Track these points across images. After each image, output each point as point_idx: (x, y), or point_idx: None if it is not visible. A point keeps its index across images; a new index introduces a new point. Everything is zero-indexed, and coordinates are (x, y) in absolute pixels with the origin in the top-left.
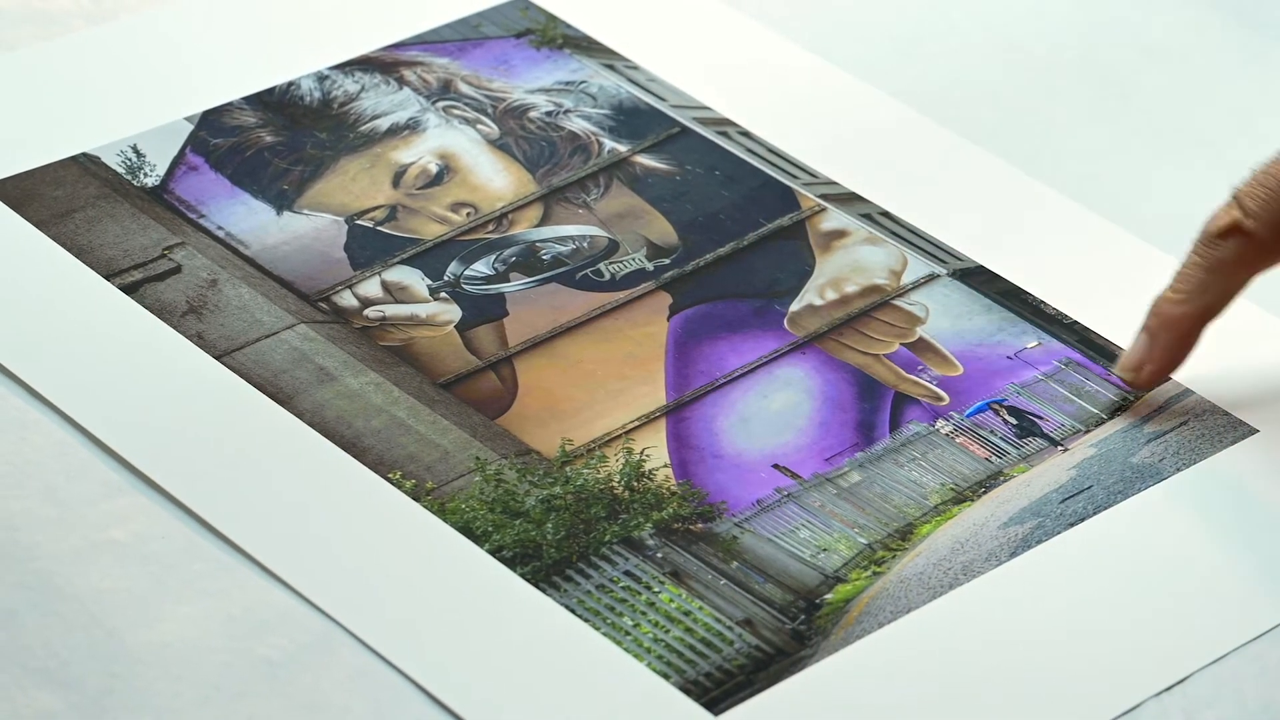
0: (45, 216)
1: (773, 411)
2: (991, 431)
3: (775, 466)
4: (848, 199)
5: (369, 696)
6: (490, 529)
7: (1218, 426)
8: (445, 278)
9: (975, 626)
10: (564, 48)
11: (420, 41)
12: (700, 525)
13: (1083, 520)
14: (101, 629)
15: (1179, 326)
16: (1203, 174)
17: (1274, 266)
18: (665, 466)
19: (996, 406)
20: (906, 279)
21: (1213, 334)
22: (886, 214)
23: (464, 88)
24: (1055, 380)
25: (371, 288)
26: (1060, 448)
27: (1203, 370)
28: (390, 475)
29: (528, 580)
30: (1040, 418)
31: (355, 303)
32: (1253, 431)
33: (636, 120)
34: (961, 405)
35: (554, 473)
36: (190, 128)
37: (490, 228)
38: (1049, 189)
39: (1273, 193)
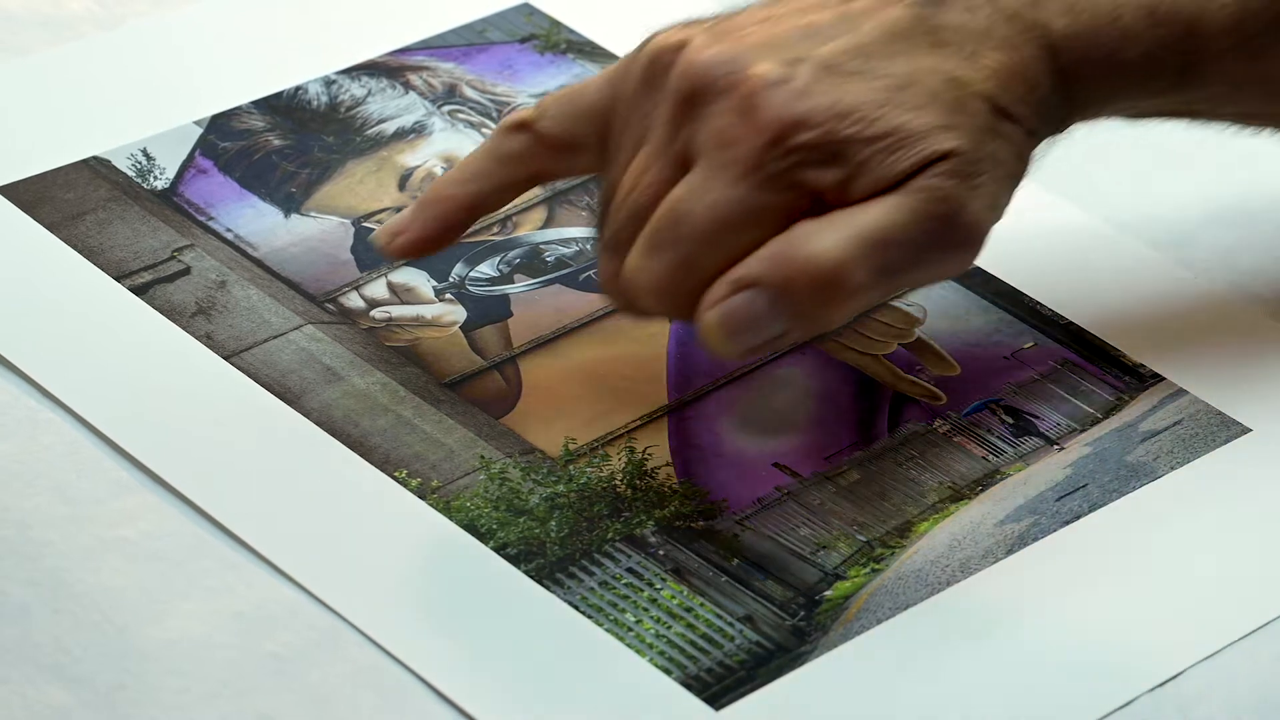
0: (56, 219)
1: (773, 411)
2: (988, 430)
3: (775, 465)
4: None
5: (376, 692)
6: (495, 527)
7: (1211, 426)
8: (450, 279)
9: (972, 622)
10: (567, 52)
11: (426, 46)
12: (702, 523)
13: (1078, 518)
14: (112, 625)
15: (444, 205)
16: (1197, 176)
17: (554, 176)
18: (667, 465)
19: (993, 406)
20: None
21: (1207, 334)
22: None
23: (469, 92)
24: (1051, 380)
25: (378, 289)
26: (1056, 447)
27: (1196, 370)
28: (396, 473)
29: (532, 577)
30: (1036, 417)
31: (362, 304)
32: (1245, 430)
33: None
34: (959, 405)
35: (557, 471)
36: (199, 131)
37: (495, 230)
38: (1046, 192)
39: (572, 103)
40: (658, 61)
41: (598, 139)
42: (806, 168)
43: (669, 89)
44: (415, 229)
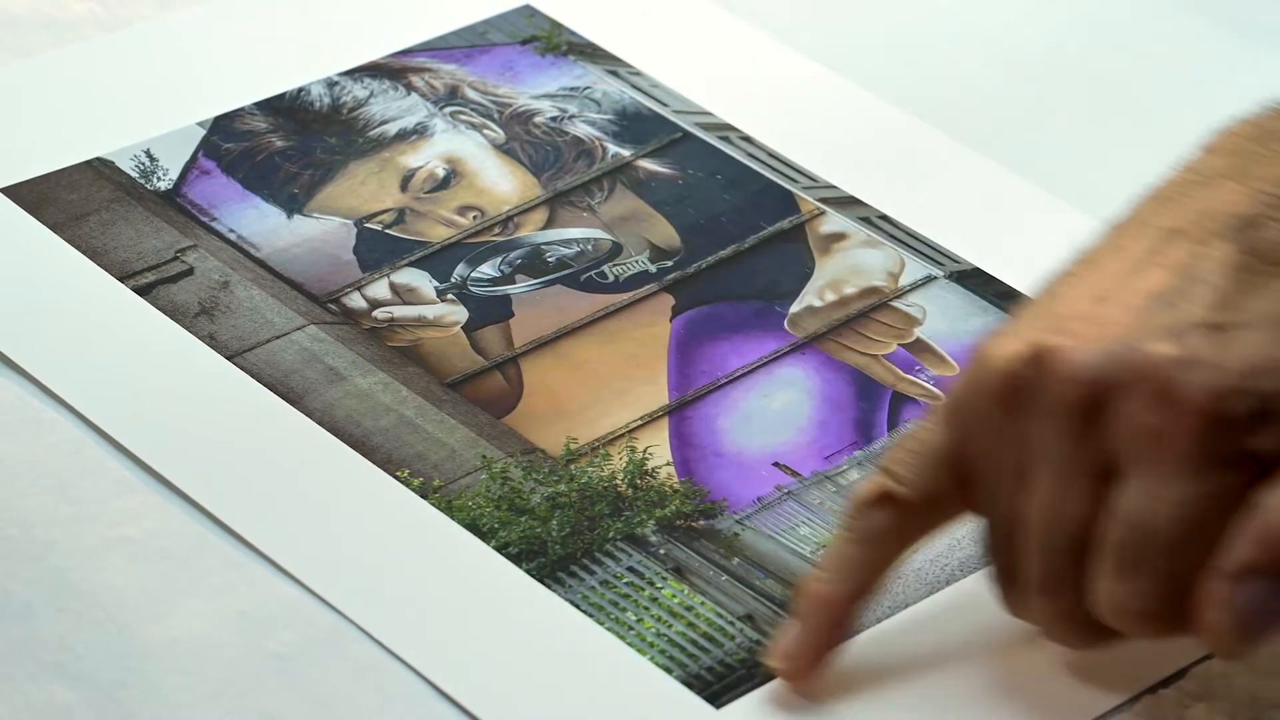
0: (60, 219)
1: (773, 411)
2: None
3: (776, 464)
4: (847, 203)
5: (377, 690)
6: (496, 526)
7: None
8: (452, 280)
9: (971, 621)
10: (568, 54)
11: (428, 48)
12: (702, 522)
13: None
14: (115, 624)
15: (830, 610)
16: None
17: (926, 537)
18: (668, 464)
19: None
20: (904, 281)
21: None
22: (885, 217)
23: (471, 93)
24: None
25: (380, 289)
26: None
27: None
28: (398, 473)
29: (533, 576)
30: None
31: (364, 304)
32: None
33: (639, 125)
34: None
35: (559, 471)
36: (202, 133)
37: (496, 231)
38: (1044, 192)
39: (920, 456)
40: (1016, 380)
41: (956, 485)
42: (1248, 436)
43: (1051, 405)
44: (812, 645)
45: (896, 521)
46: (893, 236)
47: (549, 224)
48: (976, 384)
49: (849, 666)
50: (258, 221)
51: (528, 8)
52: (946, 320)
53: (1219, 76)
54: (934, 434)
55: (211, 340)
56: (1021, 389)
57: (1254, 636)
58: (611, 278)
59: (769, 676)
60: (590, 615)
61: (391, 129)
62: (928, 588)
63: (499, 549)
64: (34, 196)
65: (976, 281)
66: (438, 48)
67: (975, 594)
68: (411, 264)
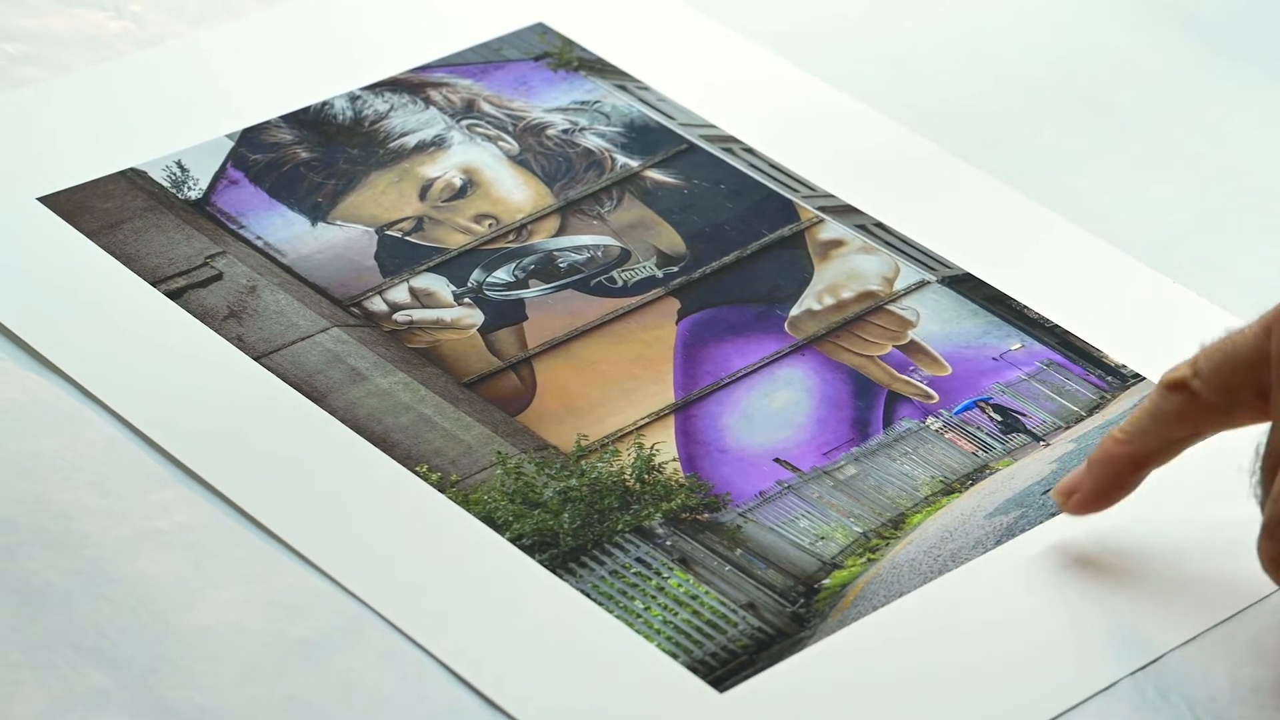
0: (96, 227)
1: (774, 409)
2: (978, 428)
3: (776, 460)
4: (844, 211)
5: (398, 675)
6: (511, 519)
7: None
8: (469, 284)
9: (963, 610)
10: (579, 70)
11: (445, 64)
12: (706, 515)
13: (1063, 511)
14: (148, 612)
15: (1114, 465)
16: (1176, 186)
17: (1218, 430)
18: (674, 460)
19: (983, 404)
20: (899, 285)
21: (1185, 336)
22: (880, 225)
23: (486, 107)
24: (1037, 380)
25: (400, 294)
26: (1042, 443)
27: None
28: (417, 468)
29: (546, 566)
30: (1024, 415)
31: (385, 308)
32: None
33: (647, 137)
34: (950, 403)
35: (570, 466)
36: (231, 144)
37: (511, 238)
38: (1033, 201)
39: (1223, 361)
40: None
41: (1255, 393)
42: None
43: None
44: (1088, 487)
45: (1188, 409)
46: (888, 243)
47: (561, 231)
48: None
49: (846, 651)
50: (284, 229)
51: (541, 26)
52: (939, 323)
53: (1201, 92)
54: (1245, 340)
55: (239, 342)
56: None
57: None
58: (620, 282)
59: (771, 662)
60: (600, 604)
61: (411, 141)
62: (921, 578)
63: (513, 541)
64: (71, 205)
65: (968, 286)
66: (455, 64)
67: (965, 584)
68: (430, 269)
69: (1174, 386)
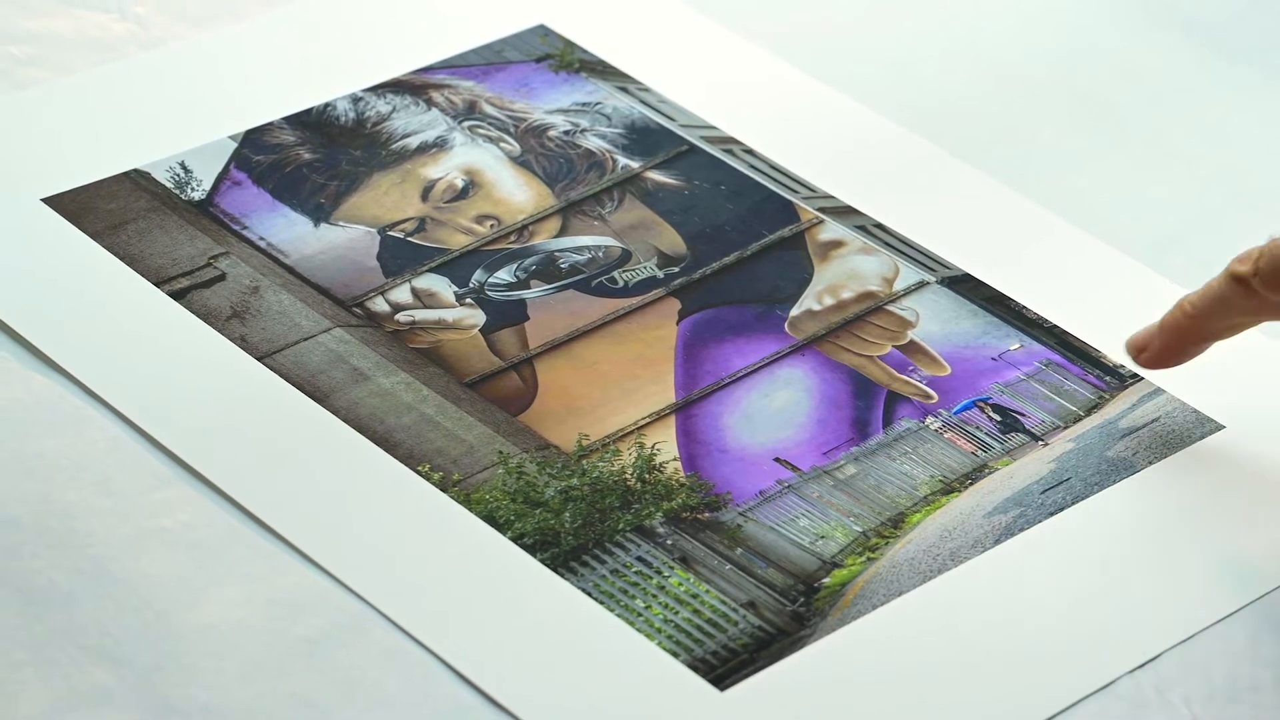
0: (100, 228)
1: (774, 409)
2: (977, 428)
3: (776, 460)
4: (844, 212)
5: (400, 673)
6: (512, 518)
7: (1187, 423)
8: (470, 285)
9: (962, 608)
10: (580, 71)
11: (447, 65)
12: (707, 514)
13: (1061, 510)
14: (151, 610)
15: (1181, 334)
16: (1175, 187)
17: (1275, 319)
18: (674, 460)
19: (982, 404)
20: (898, 286)
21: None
22: (880, 225)
23: (488, 108)
24: (1036, 380)
25: (402, 294)
26: (1041, 443)
27: (1172, 370)
28: (419, 468)
29: (547, 565)
30: (1022, 414)
31: (387, 308)
32: (1219, 427)
33: (648, 139)
34: (949, 403)
35: (571, 465)
36: (234, 146)
37: (512, 238)
38: (1031, 202)
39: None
40: None
41: None
42: None
43: None
44: (1156, 351)
45: (1248, 301)
46: (887, 244)
47: (562, 232)
48: None
49: (846, 649)
50: (286, 230)
51: (542, 28)
52: (938, 323)
53: (1200, 92)
54: None
55: (242, 342)
56: None
57: None
58: (621, 283)
59: (772, 660)
60: (601, 602)
61: (413, 142)
62: (920, 577)
63: (515, 540)
64: (75, 206)
65: (967, 286)
66: (457, 65)
67: (964, 583)
68: (432, 270)
69: (1238, 279)
